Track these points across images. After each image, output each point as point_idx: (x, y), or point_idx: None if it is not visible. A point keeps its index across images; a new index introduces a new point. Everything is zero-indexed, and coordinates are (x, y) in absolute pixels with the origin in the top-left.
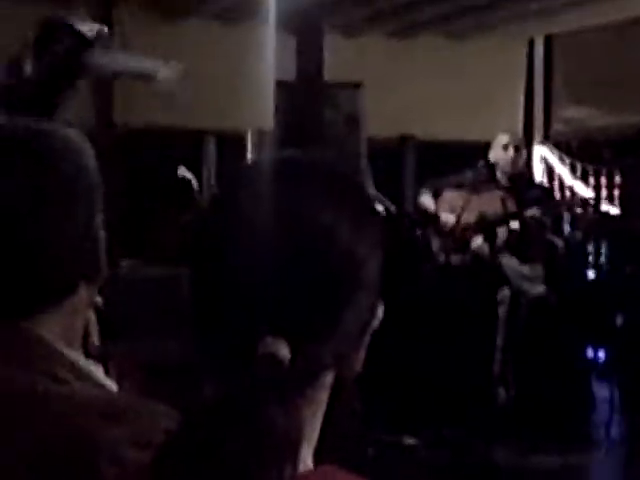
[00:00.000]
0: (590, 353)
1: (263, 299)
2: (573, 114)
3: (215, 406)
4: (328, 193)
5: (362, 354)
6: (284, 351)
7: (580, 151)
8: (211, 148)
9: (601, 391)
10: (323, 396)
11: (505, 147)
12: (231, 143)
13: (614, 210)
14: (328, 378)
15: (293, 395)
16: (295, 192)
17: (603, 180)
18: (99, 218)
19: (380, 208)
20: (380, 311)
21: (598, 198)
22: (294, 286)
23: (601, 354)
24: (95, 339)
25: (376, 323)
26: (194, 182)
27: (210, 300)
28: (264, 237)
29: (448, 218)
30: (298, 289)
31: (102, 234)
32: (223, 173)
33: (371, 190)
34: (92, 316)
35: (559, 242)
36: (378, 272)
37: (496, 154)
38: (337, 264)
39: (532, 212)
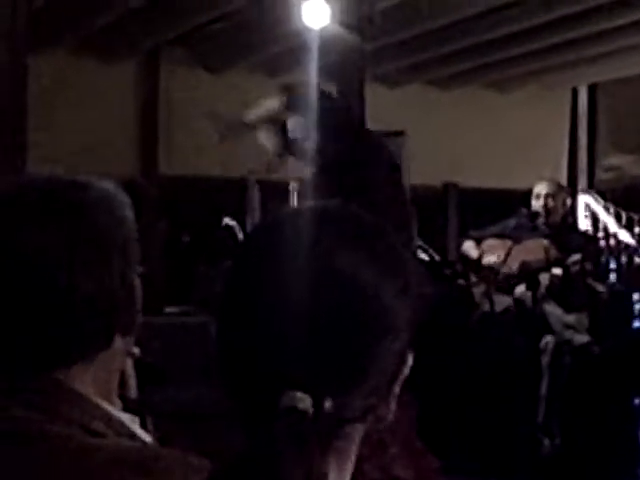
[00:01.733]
0: (636, 402)
1: (286, 350)
2: (617, 162)
3: (239, 460)
4: (353, 241)
5: (393, 404)
6: (306, 404)
7: (625, 199)
8: (255, 196)
9: None
10: (351, 447)
11: (538, 197)
12: (274, 191)
13: None
14: (357, 429)
15: (316, 449)
16: (321, 241)
17: None
18: (135, 270)
19: (424, 257)
20: (410, 359)
21: None
22: (319, 336)
23: None
24: (132, 391)
25: (406, 372)
26: (238, 230)
27: (234, 350)
28: (290, 287)
29: (490, 260)
30: (323, 340)
31: (138, 286)
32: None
33: (415, 239)
34: (129, 367)
35: (602, 289)
36: (408, 320)
37: (534, 203)
38: (362, 311)
39: (574, 259)
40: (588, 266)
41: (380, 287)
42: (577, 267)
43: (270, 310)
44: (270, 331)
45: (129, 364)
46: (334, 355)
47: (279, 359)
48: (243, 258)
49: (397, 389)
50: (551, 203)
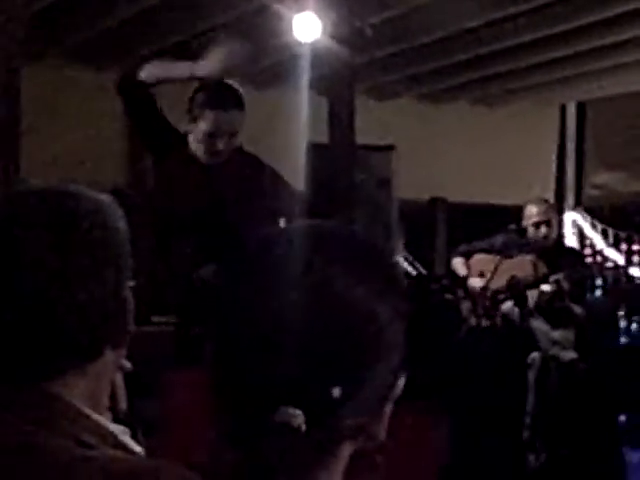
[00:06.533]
0: (621, 419)
1: (281, 367)
2: (604, 180)
3: (230, 474)
4: (350, 260)
5: (384, 424)
6: (299, 421)
7: (612, 217)
8: None
9: (631, 457)
10: (341, 464)
11: (536, 225)
12: None
13: None
14: (348, 446)
15: (308, 465)
16: (316, 259)
17: (635, 246)
18: (128, 282)
19: (411, 271)
20: (402, 379)
21: (629, 264)
22: (313, 355)
23: (632, 420)
24: (122, 404)
25: (398, 392)
26: None
27: (229, 365)
28: (285, 306)
29: (475, 284)
30: (317, 358)
31: (130, 299)
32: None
33: (402, 253)
34: (119, 379)
35: (588, 306)
36: (401, 340)
37: (525, 223)
38: (357, 329)
39: (562, 276)
40: (575, 283)
41: (375, 308)
42: (565, 284)
43: (265, 327)
44: (265, 348)
45: (119, 376)
46: (328, 374)
47: (274, 376)
48: (237, 275)
49: (389, 408)
50: (544, 229)
